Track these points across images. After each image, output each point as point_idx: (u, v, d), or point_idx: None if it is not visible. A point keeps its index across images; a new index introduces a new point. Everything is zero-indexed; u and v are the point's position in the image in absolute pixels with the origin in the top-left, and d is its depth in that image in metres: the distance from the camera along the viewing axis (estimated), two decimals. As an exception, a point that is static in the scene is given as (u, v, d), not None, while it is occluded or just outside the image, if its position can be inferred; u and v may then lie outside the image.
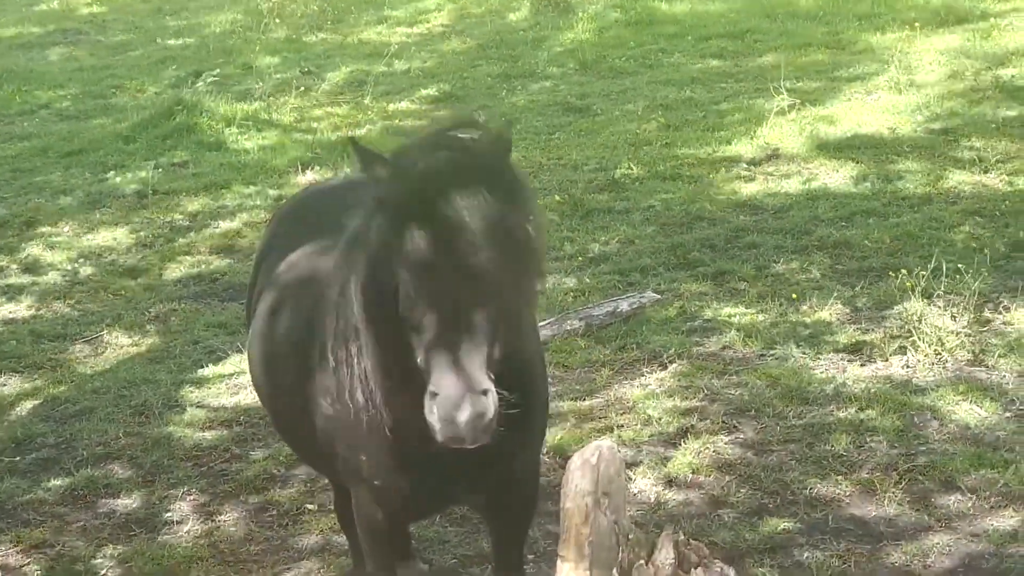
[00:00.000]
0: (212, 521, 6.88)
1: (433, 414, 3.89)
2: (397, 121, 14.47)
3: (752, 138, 12.54)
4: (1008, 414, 7.31)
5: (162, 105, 14.72)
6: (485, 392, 3.87)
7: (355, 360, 4.51)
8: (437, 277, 3.91)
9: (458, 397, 3.84)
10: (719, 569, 3.94)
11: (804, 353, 8.17)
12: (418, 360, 3.99)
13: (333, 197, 5.78)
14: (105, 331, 9.37)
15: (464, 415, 3.83)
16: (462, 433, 3.86)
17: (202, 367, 8.67)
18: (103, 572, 6.46)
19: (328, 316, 4.68)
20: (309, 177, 12.28)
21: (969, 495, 6.55)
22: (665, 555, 4.00)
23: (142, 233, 11.39)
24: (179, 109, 14.26)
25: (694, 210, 10.83)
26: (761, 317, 8.67)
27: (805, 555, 6.18)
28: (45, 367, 8.91)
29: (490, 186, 3.99)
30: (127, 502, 7.13)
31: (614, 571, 4.04)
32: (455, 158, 4.04)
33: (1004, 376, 7.72)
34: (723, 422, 7.42)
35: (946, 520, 6.38)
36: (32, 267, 10.83)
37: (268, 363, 5.29)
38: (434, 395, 3.88)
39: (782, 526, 6.41)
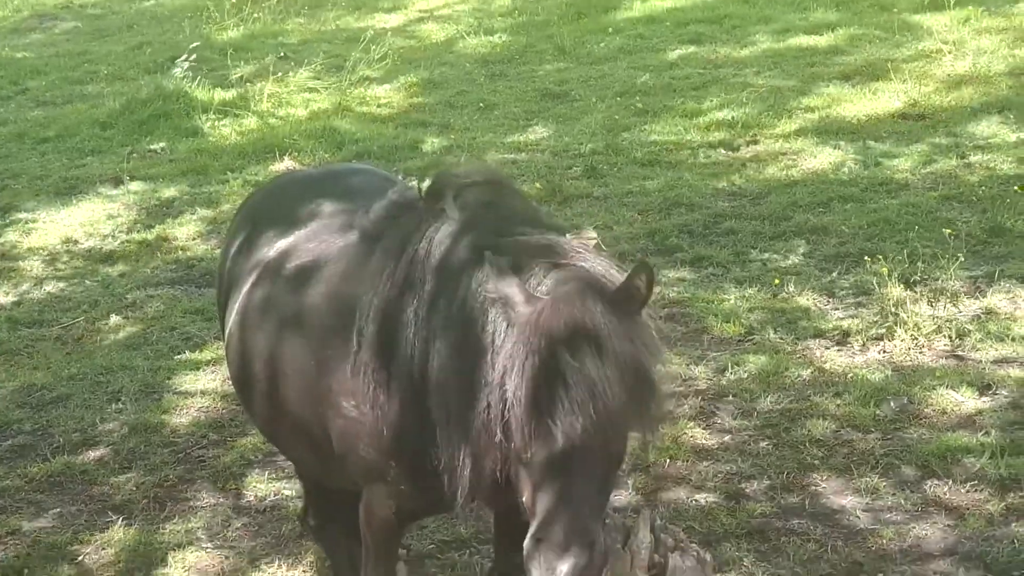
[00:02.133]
0: (189, 508, 6.86)
1: (533, 560, 3.75)
2: (376, 107, 14.43)
3: (730, 124, 12.54)
4: (985, 399, 7.34)
5: (139, 91, 14.65)
6: (592, 544, 3.74)
7: (397, 374, 4.45)
8: (567, 423, 3.78)
9: (562, 546, 3.70)
10: (696, 553, 3.95)
11: (782, 339, 8.19)
12: (523, 495, 3.89)
13: (316, 186, 5.70)
14: (82, 317, 9.34)
15: (565, 567, 3.68)
16: None
17: (179, 353, 8.64)
18: (80, 559, 6.44)
19: (358, 323, 4.59)
20: (287, 164, 12.25)
21: (947, 480, 6.57)
22: (641, 540, 4.00)
23: (119, 220, 11.34)
24: (156, 95, 14.20)
25: (672, 196, 10.83)
26: (739, 303, 8.68)
27: (782, 540, 6.19)
28: (22, 353, 8.87)
29: (628, 336, 3.90)
30: (104, 488, 7.10)
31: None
32: (596, 306, 3.91)
33: (981, 361, 7.74)
34: (701, 407, 7.43)
35: (923, 505, 6.40)
36: (8, 254, 10.78)
37: (262, 355, 5.14)
38: (537, 541, 3.75)
39: (759, 511, 6.42)
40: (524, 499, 3.92)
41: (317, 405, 4.84)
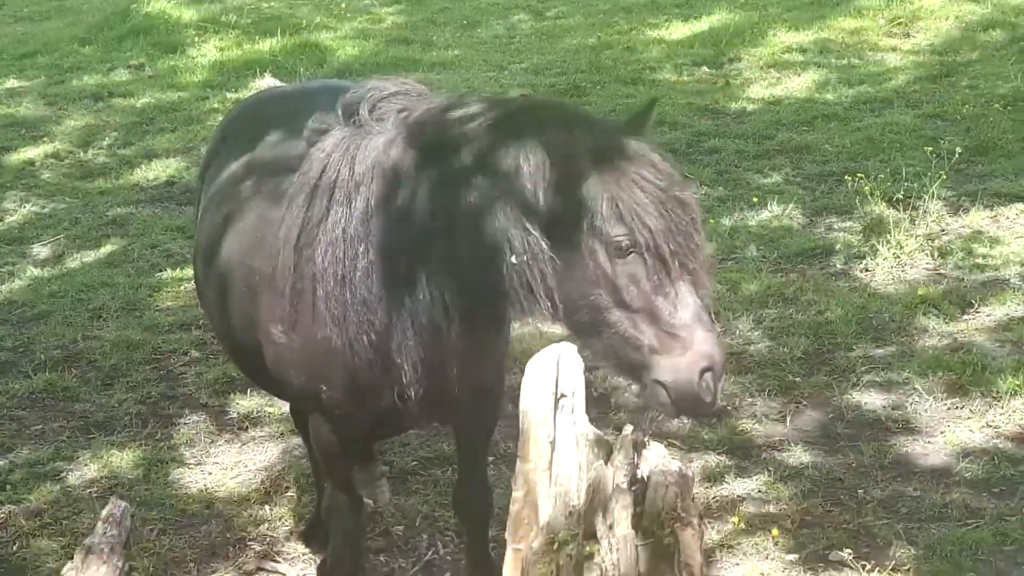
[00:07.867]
0: (172, 424, 6.85)
1: (678, 361, 3.80)
2: (358, 24, 14.31)
3: (715, 42, 12.47)
4: (966, 316, 7.36)
5: (118, 6, 14.51)
6: (717, 338, 3.83)
7: (325, 296, 4.37)
8: (674, 231, 3.92)
9: (721, 359, 3.75)
10: (677, 468, 3.94)
11: (764, 257, 8.19)
12: (628, 329, 3.92)
13: (285, 104, 5.63)
14: (62, 235, 9.29)
15: (705, 363, 3.78)
16: (714, 400, 3.81)
17: (160, 271, 8.62)
18: (63, 475, 6.44)
19: (282, 243, 4.52)
20: (268, 81, 12.15)
21: (927, 396, 6.59)
22: (624, 456, 4.00)
23: (99, 137, 11.26)
24: (135, 10, 14.07)
25: (655, 114, 10.76)
26: (722, 221, 8.66)
27: (763, 456, 6.22)
28: (2, 271, 8.83)
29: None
30: (86, 406, 7.09)
31: (574, 470, 4.04)
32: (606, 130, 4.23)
33: (963, 279, 7.76)
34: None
35: (903, 421, 6.43)
36: (-12, 171, 10.72)
37: (212, 280, 5.13)
38: (673, 338, 3.79)
39: (741, 427, 6.45)
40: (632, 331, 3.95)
41: (253, 330, 4.81)
